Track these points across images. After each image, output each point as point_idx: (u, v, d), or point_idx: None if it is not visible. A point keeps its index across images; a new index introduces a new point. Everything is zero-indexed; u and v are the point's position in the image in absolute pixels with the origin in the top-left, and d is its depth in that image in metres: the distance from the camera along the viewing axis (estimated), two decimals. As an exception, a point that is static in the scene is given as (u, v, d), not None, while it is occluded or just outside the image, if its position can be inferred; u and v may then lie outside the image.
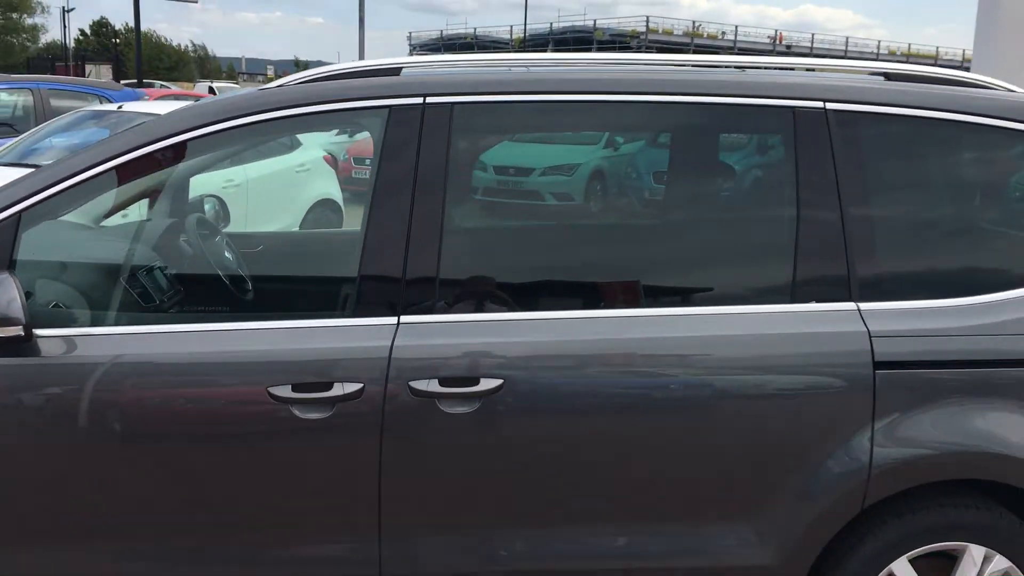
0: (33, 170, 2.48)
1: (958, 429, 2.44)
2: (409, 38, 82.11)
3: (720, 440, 2.43)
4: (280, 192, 8.44)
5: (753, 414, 2.42)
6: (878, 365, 2.43)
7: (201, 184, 6.25)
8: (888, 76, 2.72)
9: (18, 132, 9.00)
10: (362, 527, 2.40)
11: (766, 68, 2.83)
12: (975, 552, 2.53)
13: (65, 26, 57.66)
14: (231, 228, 4.78)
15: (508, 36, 72.13)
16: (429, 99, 2.46)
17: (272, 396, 2.32)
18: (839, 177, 2.48)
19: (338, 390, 2.33)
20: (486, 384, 2.35)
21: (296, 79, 2.59)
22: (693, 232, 2.73)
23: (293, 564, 2.42)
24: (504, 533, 2.44)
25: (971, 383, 2.44)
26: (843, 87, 2.55)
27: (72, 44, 69.40)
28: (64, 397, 2.31)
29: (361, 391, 2.33)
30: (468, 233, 2.62)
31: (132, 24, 27.47)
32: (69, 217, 3.16)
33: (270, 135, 2.90)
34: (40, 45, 62.38)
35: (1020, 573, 2.54)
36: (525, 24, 57.39)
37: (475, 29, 76.94)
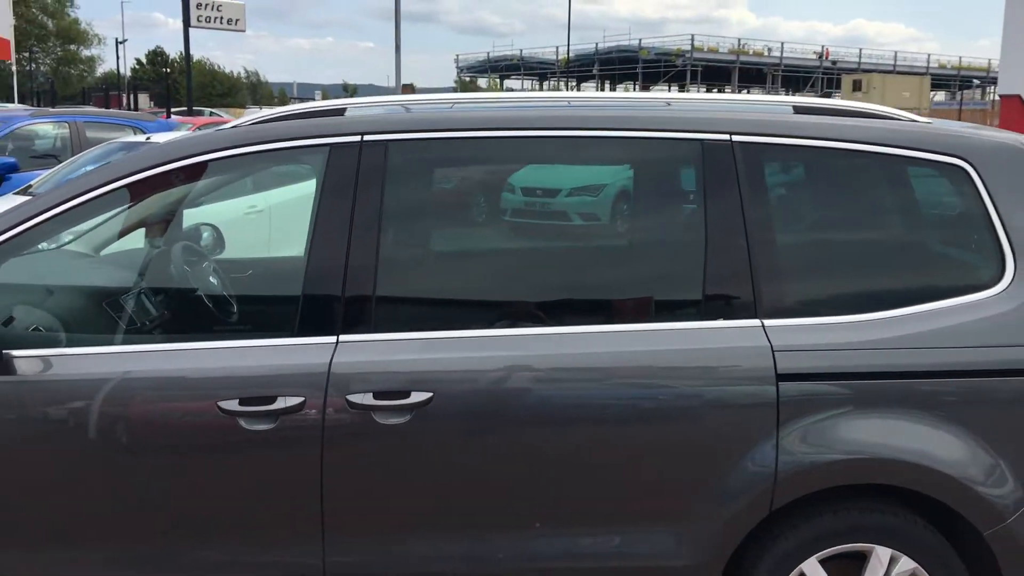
0: (12, 206, 2.77)
1: (856, 437, 2.61)
2: (456, 61, 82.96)
3: (637, 449, 2.62)
4: (303, 217, 8.77)
5: (666, 424, 2.61)
6: (780, 377, 2.61)
7: (222, 211, 6.56)
8: (797, 109, 2.91)
9: (59, 163, 9.48)
10: (306, 533, 2.63)
11: (690, 101, 3.03)
12: (881, 553, 2.68)
13: (118, 57, 59.45)
14: (240, 253, 5.04)
15: (554, 57, 72.60)
16: (366, 137, 2.71)
17: (221, 409, 2.57)
18: (744, 203, 2.68)
19: (281, 403, 2.57)
20: (416, 397, 2.58)
21: (250, 120, 2.86)
22: (613, 256, 2.94)
23: (241, 569, 2.66)
24: (438, 537, 2.66)
25: (868, 394, 2.61)
26: (748, 120, 2.75)
27: (128, 74, 71.47)
28: (35, 412, 2.59)
29: (303, 404, 2.57)
30: (403, 258, 2.86)
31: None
32: (70, 246, 3.48)
33: (222, 173, 3.16)
34: (97, 76, 64.27)
35: (926, 575, 2.69)
36: (568, 45, 57.84)
37: (521, 51, 77.49)
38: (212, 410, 2.57)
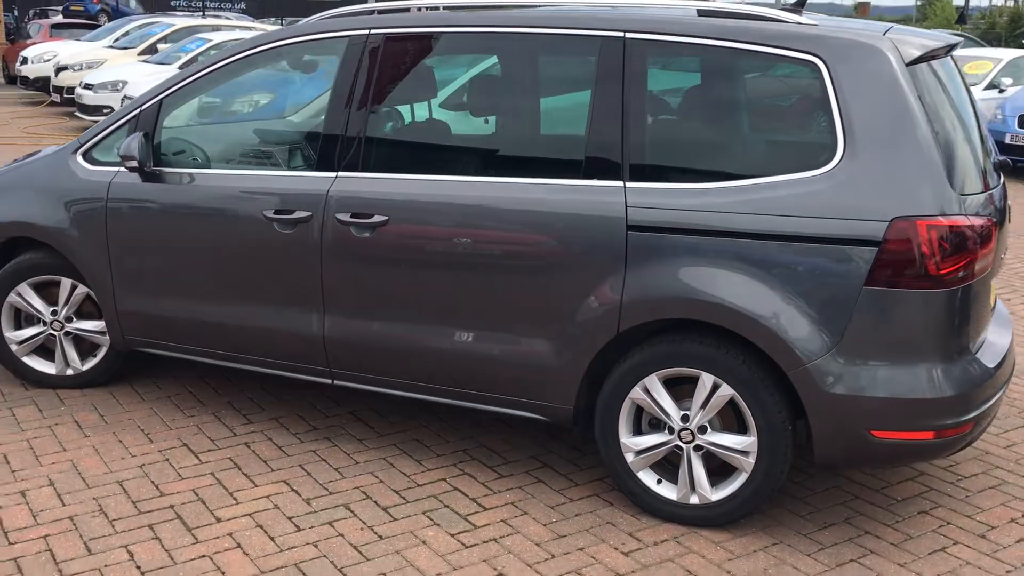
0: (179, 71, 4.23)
1: (683, 281, 3.23)
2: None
3: (520, 272, 3.47)
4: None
5: (544, 255, 3.43)
6: (630, 227, 3.30)
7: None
8: (700, 12, 3.44)
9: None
10: (312, 305, 3.84)
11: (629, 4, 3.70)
12: (706, 379, 3.29)
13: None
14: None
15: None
16: (372, 31, 3.77)
17: (264, 216, 3.84)
18: (624, 89, 3.35)
19: (297, 215, 3.78)
20: (377, 219, 3.65)
21: (315, 17, 4.03)
22: (525, 125, 3.73)
23: (274, 324, 3.94)
24: (392, 318, 3.73)
25: (698, 247, 3.21)
26: (640, 19, 3.38)
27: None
28: (167, 205, 4.05)
29: (310, 218, 3.77)
30: (383, 122, 3.87)
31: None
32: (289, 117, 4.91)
33: (286, 56, 4.35)
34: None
35: (742, 400, 3.24)
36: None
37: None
38: (260, 216, 3.85)
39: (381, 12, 3.91)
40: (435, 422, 4.28)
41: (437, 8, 3.91)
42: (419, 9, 3.97)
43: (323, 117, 3.87)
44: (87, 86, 14.78)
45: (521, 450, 4.03)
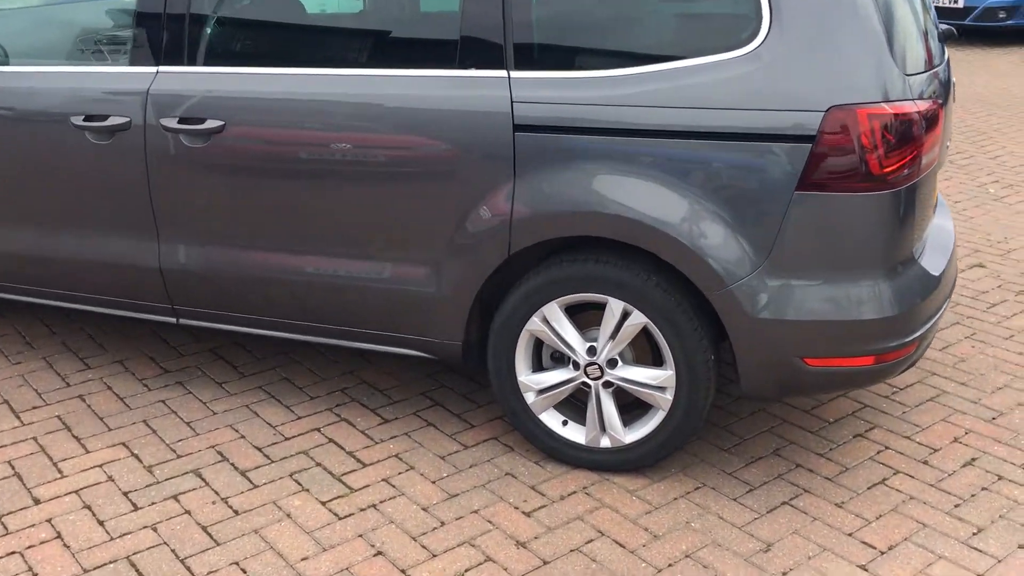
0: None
1: (581, 189, 2.67)
2: None
3: (391, 185, 2.86)
4: None
5: (416, 161, 2.82)
6: (517, 128, 2.71)
7: None
8: None
9: None
10: (144, 231, 3.18)
11: None
12: (614, 305, 2.77)
13: None
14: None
15: None
16: None
17: (74, 124, 3.13)
18: None
19: (112, 122, 3.08)
20: (210, 124, 2.98)
21: None
22: (389, 3, 3.07)
23: (104, 256, 3.27)
24: (238, 243, 3.10)
25: (598, 149, 2.64)
26: None
27: None
28: None
29: (129, 124, 3.07)
30: (216, 8, 3.16)
31: None
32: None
33: None
34: None
35: (656, 329, 2.75)
36: None
37: None
38: (67, 124, 3.14)
39: None
40: (311, 356, 3.72)
41: None
42: None
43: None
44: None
45: (409, 386, 3.50)
